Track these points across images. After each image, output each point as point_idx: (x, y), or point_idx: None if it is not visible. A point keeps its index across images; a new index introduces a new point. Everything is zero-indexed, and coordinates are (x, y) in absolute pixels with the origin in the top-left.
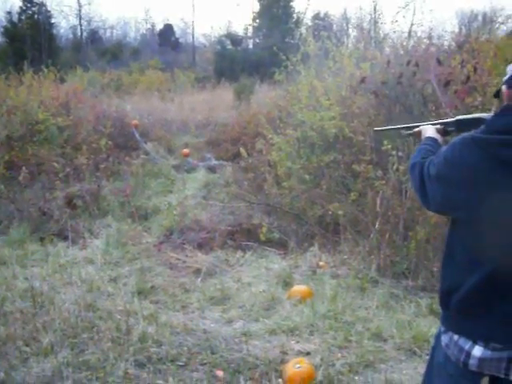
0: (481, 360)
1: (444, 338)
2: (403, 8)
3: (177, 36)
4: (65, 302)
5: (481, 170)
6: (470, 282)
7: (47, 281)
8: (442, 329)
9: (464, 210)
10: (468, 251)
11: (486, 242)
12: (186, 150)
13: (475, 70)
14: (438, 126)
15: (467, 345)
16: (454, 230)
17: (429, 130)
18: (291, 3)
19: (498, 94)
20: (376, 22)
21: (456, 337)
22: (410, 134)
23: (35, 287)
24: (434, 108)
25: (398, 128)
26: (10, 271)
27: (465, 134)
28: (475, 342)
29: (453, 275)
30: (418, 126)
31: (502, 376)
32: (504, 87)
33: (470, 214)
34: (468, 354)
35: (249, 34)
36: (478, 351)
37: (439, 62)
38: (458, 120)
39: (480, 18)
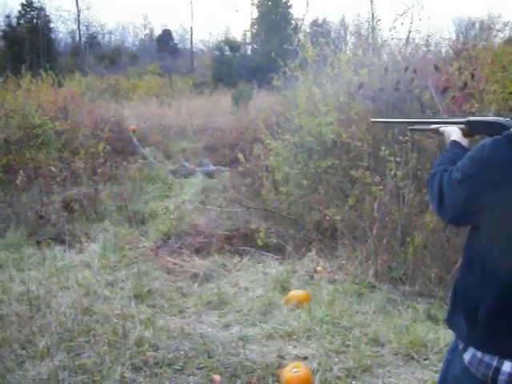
0: (511, 375)
1: (466, 356)
2: (401, 15)
3: (175, 41)
4: (61, 306)
5: (510, 169)
6: (496, 293)
7: (44, 284)
8: (461, 345)
9: (488, 213)
10: (492, 259)
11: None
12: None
13: (472, 76)
14: (463, 126)
15: (494, 361)
16: (474, 239)
17: (454, 133)
18: (290, 10)
19: None
20: (374, 29)
21: (480, 354)
22: (424, 130)
23: (32, 290)
24: (431, 114)
25: (399, 122)
26: (7, 274)
27: (495, 137)
28: (503, 358)
29: (477, 286)
30: (423, 123)
31: None
32: None
33: (494, 217)
34: (497, 370)
35: (247, 40)
36: (507, 367)
37: (437, 68)
38: (469, 121)
39: (477, 25)
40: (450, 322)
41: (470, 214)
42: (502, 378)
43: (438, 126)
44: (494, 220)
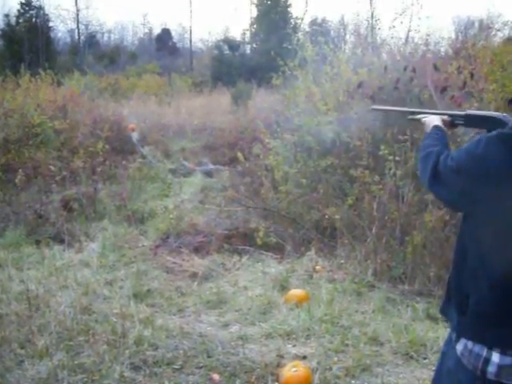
0: (500, 367)
1: (458, 347)
2: (400, 14)
3: (174, 41)
4: (60, 305)
5: (505, 166)
6: (486, 284)
7: (43, 283)
8: (454, 336)
9: (482, 205)
10: (483, 251)
11: (503, 241)
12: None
13: (472, 76)
14: (445, 117)
15: (484, 351)
16: (466, 229)
17: (435, 121)
18: (289, 9)
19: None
20: (373, 28)
21: (470, 344)
22: (412, 119)
23: (31, 290)
24: None
25: (399, 110)
26: (6, 274)
27: (490, 133)
28: (491, 349)
29: (468, 277)
30: (422, 113)
31: None
32: None
33: (487, 210)
34: (486, 361)
35: (246, 39)
36: (496, 358)
37: (436, 67)
38: (467, 114)
39: (477, 24)
40: (444, 312)
41: (464, 203)
42: (491, 369)
43: (421, 116)
44: (486, 214)
